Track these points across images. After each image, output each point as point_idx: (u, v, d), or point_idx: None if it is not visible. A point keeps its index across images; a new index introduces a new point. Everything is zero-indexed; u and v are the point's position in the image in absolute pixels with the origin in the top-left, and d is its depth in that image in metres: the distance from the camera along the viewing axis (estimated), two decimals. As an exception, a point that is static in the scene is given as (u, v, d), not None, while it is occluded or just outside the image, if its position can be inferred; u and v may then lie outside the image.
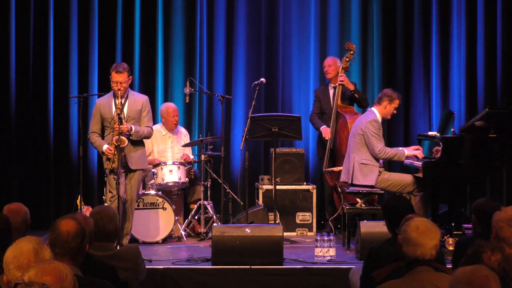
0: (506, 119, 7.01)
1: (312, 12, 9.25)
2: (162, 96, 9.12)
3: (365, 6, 9.22)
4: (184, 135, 8.61)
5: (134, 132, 7.09)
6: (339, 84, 8.27)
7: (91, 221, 4.32)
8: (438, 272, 3.44)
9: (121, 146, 6.93)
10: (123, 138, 6.95)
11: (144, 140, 7.37)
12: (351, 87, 8.33)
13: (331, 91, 8.46)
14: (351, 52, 8.34)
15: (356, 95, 8.33)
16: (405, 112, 9.12)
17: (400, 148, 7.58)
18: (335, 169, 7.87)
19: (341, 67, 8.35)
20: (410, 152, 7.44)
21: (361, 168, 7.36)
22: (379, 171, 7.39)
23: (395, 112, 7.55)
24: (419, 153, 7.42)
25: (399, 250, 3.55)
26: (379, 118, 7.45)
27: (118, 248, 4.82)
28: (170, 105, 8.52)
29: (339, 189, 7.79)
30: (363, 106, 8.46)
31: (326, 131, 8.30)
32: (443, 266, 3.70)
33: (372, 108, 7.52)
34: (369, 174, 7.35)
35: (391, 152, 7.38)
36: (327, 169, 8.13)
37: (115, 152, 6.96)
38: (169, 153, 8.45)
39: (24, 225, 4.65)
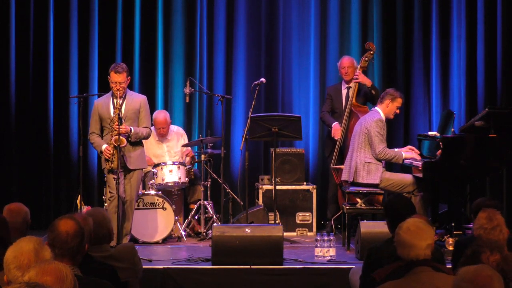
0: (506, 119, 7.00)
1: (312, 12, 9.24)
2: (162, 96, 9.12)
3: (365, 6, 9.21)
4: (180, 135, 8.56)
5: (133, 134, 7.08)
6: (355, 82, 8.25)
7: (90, 221, 4.32)
8: (438, 272, 3.44)
9: (120, 146, 6.93)
10: (122, 138, 6.94)
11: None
12: (369, 83, 8.27)
13: (344, 91, 8.40)
14: (371, 52, 8.29)
15: (373, 91, 8.25)
16: (405, 112, 9.11)
17: (396, 150, 7.57)
18: (342, 167, 7.81)
19: (359, 66, 8.31)
20: (408, 155, 7.44)
21: (365, 167, 7.36)
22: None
23: (398, 111, 7.55)
24: (416, 155, 7.41)
25: (397, 252, 3.56)
26: (383, 117, 7.45)
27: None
28: (160, 115, 8.31)
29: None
30: None
31: (337, 130, 8.22)
32: (443, 266, 3.70)
33: (376, 108, 7.52)
34: (373, 173, 7.34)
35: (390, 154, 7.38)
36: (334, 166, 8.10)
37: (114, 152, 6.95)
38: (166, 157, 8.40)
39: (24, 225, 4.65)
